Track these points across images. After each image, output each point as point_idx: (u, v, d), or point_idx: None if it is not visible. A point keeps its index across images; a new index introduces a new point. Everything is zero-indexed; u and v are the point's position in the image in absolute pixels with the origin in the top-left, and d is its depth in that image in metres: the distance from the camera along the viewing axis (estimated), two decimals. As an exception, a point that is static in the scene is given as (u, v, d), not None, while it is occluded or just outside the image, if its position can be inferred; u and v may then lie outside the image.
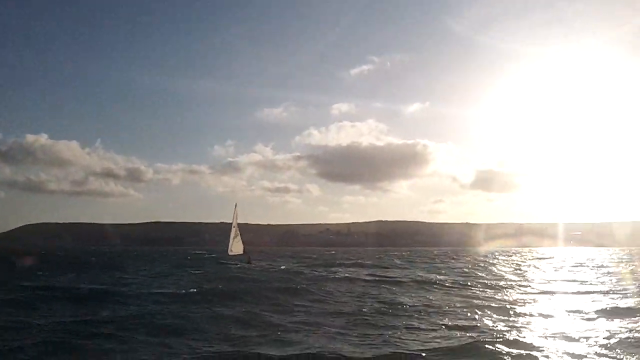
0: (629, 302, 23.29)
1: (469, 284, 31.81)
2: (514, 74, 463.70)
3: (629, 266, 55.12)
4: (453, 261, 70.53)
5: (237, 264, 54.75)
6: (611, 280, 35.92)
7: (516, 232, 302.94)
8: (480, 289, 29.00)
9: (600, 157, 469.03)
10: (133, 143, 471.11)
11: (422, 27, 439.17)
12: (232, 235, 65.73)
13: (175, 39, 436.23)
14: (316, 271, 43.46)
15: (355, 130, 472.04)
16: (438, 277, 37.78)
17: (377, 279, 36.30)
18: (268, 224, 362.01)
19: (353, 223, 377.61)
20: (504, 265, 57.90)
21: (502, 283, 33.08)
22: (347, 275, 39.32)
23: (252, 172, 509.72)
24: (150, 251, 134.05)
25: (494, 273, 44.23)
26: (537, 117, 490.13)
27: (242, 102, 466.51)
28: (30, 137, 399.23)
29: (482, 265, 58.06)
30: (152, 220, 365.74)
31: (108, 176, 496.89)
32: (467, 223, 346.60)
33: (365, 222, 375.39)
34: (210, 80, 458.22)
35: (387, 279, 36.23)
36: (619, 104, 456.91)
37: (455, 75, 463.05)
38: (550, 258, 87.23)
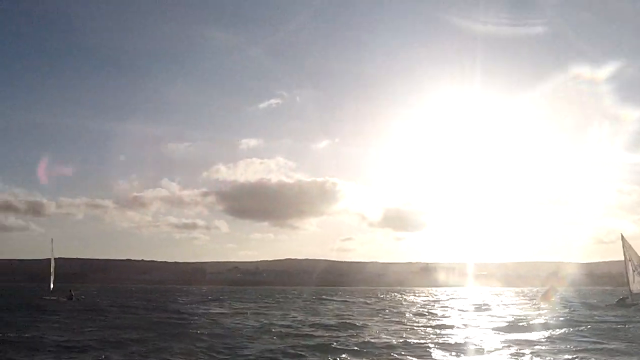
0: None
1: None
2: (421, 113, 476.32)
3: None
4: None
5: (56, 299, 58.85)
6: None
7: (423, 271, 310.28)
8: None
9: (505, 199, 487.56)
10: (34, 176, 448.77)
11: (331, 63, 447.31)
12: (52, 270, 67.54)
13: (72, 72, 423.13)
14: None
15: (264, 166, 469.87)
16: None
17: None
18: (175, 262, 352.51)
19: (261, 261, 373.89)
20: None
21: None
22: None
23: (159, 208, 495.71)
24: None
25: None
26: (445, 156, 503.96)
27: (146, 136, 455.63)
28: None
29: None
30: (55, 257, 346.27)
31: (7, 210, 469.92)
32: (376, 262, 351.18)
33: (274, 261, 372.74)
34: (113, 114, 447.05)
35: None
36: (524, 147, 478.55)
37: (363, 113, 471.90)
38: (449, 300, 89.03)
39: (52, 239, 72.61)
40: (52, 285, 65.43)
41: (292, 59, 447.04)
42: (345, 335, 25.16)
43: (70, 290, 63.86)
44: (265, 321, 32.57)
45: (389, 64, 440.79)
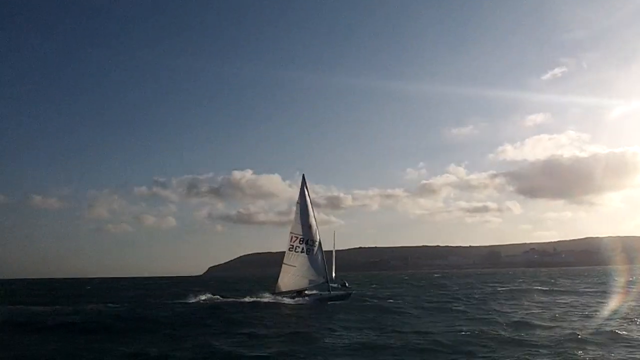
0: None
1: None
2: None
3: None
4: None
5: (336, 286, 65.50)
6: None
7: None
8: None
9: None
10: (330, 172, 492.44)
11: (616, 16, 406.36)
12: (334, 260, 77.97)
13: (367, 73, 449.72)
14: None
15: (554, 142, 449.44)
16: None
17: None
18: (469, 246, 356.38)
19: (559, 242, 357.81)
20: None
21: None
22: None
23: (448, 193, 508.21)
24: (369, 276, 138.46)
25: None
26: None
27: (430, 122, 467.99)
28: (237, 174, 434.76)
29: None
30: (356, 247, 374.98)
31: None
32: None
33: (573, 240, 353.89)
34: (396, 101, 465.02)
35: None
36: None
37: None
38: None
39: (334, 232, 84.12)
40: (334, 275, 75.21)
41: (572, 20, 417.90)
42: None
43: (343, 280, 71.32)
44: None
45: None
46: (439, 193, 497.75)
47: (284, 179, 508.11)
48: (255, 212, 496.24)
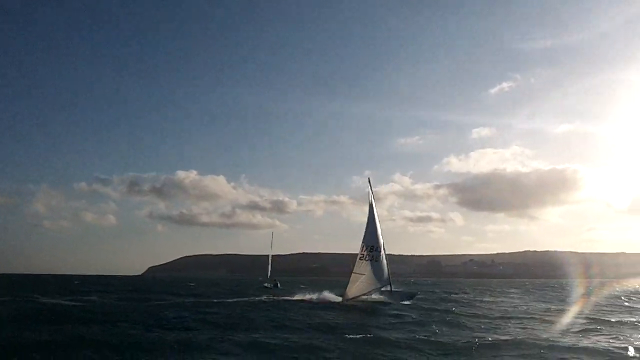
0: None
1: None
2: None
3: None
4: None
5: (267, 285, 75.24)
6: None
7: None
8: None
9: None
10: (276, 176, 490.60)
11: (567, 36, 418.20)
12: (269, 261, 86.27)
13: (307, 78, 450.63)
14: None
15: (498, 156, 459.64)
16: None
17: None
18: (411, 255, 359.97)
19: (498, 254, 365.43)
20: None
21: None
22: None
23: (393, 202, 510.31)
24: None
25: None
26: None
27: (377, 132, 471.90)
28: (181, 173, 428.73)
29: None
30: (298, 252, 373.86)
31: (254, 209, 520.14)
32: (623, 253, 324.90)
33: (512, 253, 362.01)
34: (344, 111, 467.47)
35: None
36: None
37: (609, 91, 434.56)
38: None
39: (272, 233, 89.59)
40: (269, 274, 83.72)
41: (524, 36, 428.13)
42: None
43: (275, 279, 79.63)
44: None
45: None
46: (384, 201, 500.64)
47: (228, 181, 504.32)
48: (198, 213, 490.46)
